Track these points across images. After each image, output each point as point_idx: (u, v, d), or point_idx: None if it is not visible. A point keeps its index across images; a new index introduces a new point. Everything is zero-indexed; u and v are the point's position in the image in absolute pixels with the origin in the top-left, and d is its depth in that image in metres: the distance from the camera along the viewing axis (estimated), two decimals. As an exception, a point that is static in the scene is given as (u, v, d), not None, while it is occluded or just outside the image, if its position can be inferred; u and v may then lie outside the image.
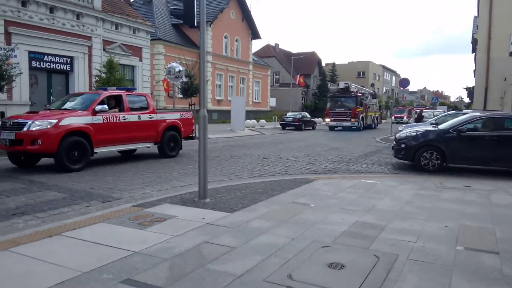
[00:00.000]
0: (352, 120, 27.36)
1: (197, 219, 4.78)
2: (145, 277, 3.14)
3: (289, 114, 30.63)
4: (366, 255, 3.69)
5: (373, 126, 31.45)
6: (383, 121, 44.86)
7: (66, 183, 7.25)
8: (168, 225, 4.56)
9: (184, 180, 7.81)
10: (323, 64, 63.79)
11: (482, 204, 5.89)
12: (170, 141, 11.07)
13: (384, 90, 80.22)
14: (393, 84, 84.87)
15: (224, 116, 33.71)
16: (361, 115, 28.33)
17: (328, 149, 14.46)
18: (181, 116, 11.63)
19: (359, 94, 28.77)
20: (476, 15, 24.92)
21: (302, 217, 4.99)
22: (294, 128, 28.47)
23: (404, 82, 22.51)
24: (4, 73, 10.45)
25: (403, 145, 9.68)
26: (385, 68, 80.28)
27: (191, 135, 12.23)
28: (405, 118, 41.91)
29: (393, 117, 43.58)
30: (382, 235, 4.32)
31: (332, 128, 28.49)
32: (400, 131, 12.18)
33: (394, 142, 10.50)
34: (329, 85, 41.02)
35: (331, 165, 10.27)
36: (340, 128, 28.15)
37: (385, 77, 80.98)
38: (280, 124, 29.31)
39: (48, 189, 6.65)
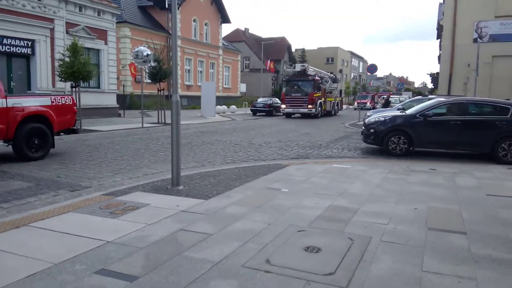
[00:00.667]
0: (310, 106, 24.77)
1: (171, 207, 4.71)
2: (120, 266, 3.07)
3: (259, 100, 30.56)
4: (341, 238, 3.77)
5: (333, 112, 29.14)
6: (344, 107, 43.72)
7: (31, 171, 6.96)
8: (142, 213, 4.47)
9: (155, 168, 7.67)
10: (293, 50, 63.86)
11: (448, 187, 6.14)
12: (31, 136, 8.11)
13: (352, 76, 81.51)
14: (361, 70, 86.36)
15: (194, 102, 33.25)
16: (319, 101, 25.71)
17: (299, 135, 14.59)
18: (52, 102, 8.65)
19: (317, 78, 26.11)
20: (442, 1, 25.58)
21: (277, 202, 5.03)
22: (265, 114, 28.49)
23: (372, 68, 22.92)
24: None
25: (372, 130, 9.89)
26: (353, 54, 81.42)
27: (73, 127, 9.30)
28: (368, 104, 41.28)
29: (356, 103, 43.91)
30: (355, 218, 4.42)
31: (289, 115, 26.03)
32: (369, 116, 12.44)
33: (363, 127, 10.71)
34: (284, 67, 37.76)
35: (303, 151, 10.37)
36: (299, 115, 26.02)
37: (353, 63, 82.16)
38: (251, 110, 29.22)
39: (12, 178, 6.36)
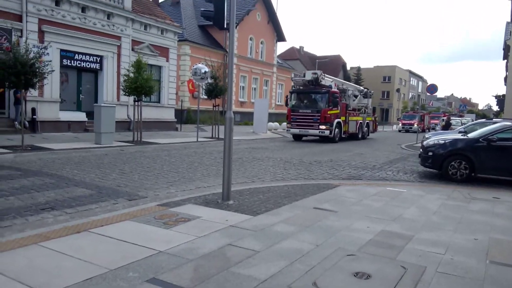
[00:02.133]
0: (322, 127, 18.82)
1: (221, 221, 4.80)
2: (170, 277, 3.17)
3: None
4: (393, 266, 3.61)
5: (360, 135, 22.87)
6: (380, 129, 36.49)
7: (93, 180, 7.43)
8: (193, 225, 4.60)
9: (207, 181, 7.87)
10: (348, 68, 63.21)
11: (514, 218, 5.68)
12: None
13: (410, 96, 78.68)
14: (420, 90, 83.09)
15: (247, 118, 33.81)
16: (337, 120, 19.64)
17: (351, 155, 14.28)
18: None
19: (334, 89, 20.01)
20: (509, 20, 24.12)
21: (326, 223, 4.94)
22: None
23: (432, 88, 21.99)
24: (37, 70, 10.82)
25: (430, 153, 9.45)
26: (411, 73, 78.75)
27: None
28: (415, 125, 34.11)
29: (400, 124, 37.82)
30: (409, 245, 4.22)
31: (298, 138, 20.25)
32: (428, 138, 11.90)
33: (421, 150, 10.26)
34: (292, 75, 28.78)
35: (355, 171, 10.13)
36: (313, 137, 20.42)
37: (411, 82, 79.41)
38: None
39: (76, 185, 6.82)
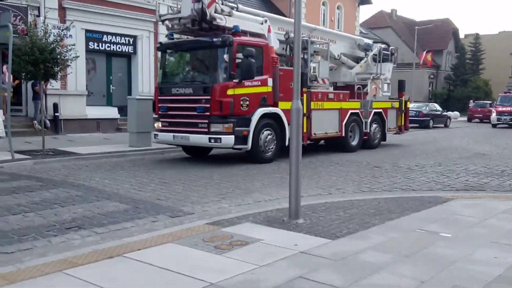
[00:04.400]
0: (215, 127, 10.88)
1: (288, 246, 4.79)
2: (225, 317, 3.22)
3: (410, 106, 29.43)
4: (534, 313, 3.37)
5: (352, 142, 14.77)
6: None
7: (128, 191, 7.81)
8: (252, 250, 4.65)
9: (269, 193, 7.92)
10: (461, 36, 60.20)
11: None
12: None
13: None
14: None
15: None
16: (264, 109, 11.53)
17: (470, 156, 13.64)
18: None
19: (261, 41, 11.97)
20: None
21: (435, 251, 4.75)
22: (417, 125, 27.59)
23: None
24: (58, 57, 11.30)
25: None
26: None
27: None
28: None
29: (494, 112, 30.12)
30: (557, 284, 3.92)
31: (192, 151, 12.87)
32: None
33: None
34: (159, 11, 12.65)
35: (475, 179, 9.66)
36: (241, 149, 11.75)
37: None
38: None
39: (108, 199, 7.20)
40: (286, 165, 7.81)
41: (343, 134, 14.12)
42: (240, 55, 10.80)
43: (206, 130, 10.83)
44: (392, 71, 17.91)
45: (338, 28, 37.69)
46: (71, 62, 12.07)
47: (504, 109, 30.46)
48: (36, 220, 5.95)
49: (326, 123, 13.63)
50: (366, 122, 15.08)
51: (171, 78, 12.39)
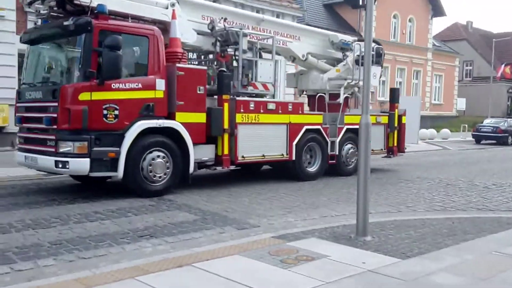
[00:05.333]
0: (62, 146, 7.89)
1: (356, 263, 4.74)
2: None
3: (486, 121, 28.42)
4: None
5: (308, 169, 11.32)
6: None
7: (197, 202, 8.03)
8: (318, 266, 4.63)
9: (335, 209, 7.87)
10: (543, 48, 57.00)
11: None
12: None
13: None
14: None
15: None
16: (142, 122, 8.35)
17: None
18: None
19: (134, 25, 8.74)
20: None
21: (512, 275, 4.52)
22: (494, 141, 26.75)
23: None
24: None
25: None
26: None
27: None
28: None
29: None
30: None
31: (81, 178, 9.54)
32: None
33: None
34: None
35: (558, 200, 9.08)
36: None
37: None
38: (473, 136, 27.55)
39: (178, 209, 7.46)
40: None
41: (293, 158, 10.74)
42: (94, 45, 7.80)
43: (53, 150, 7.96)
44: (381, 76, 14.60)
45: (409, 41, 36.89)
46: None
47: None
48: (112, 227, 6.26)
49: (263, 143, 10.23)
50: (333, 142, 11.63)
51: (29, 78, 9.35)
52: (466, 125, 31.72)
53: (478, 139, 27.26)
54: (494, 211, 8.01)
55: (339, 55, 12.96)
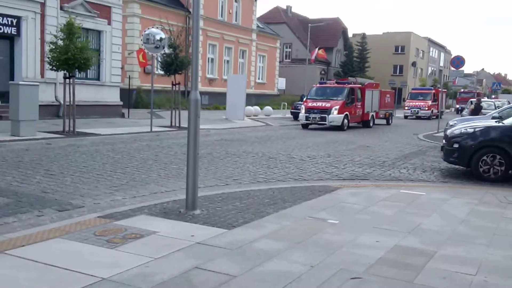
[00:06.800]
0: None
1: (185, 237, 4.78)
2: (117, 312, 3.12)
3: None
4: (410, 291, 3.67)
5: None
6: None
7: (10, 184, 7.26)
8: (147, 243, 4.56)
9: (166, 185, 7.82)
10: (350, 35, 63.73)
11: (562, 227, 5.86)
12: None
13: (430, 71, 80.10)
14: (442, 64, 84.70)
15: (217, 101, 33.70)
16: None
17: (355, 148, 14.46)
18: None
19: None
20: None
21: (323, 237, 4.99)
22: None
23: (458, 62, 22.42)
24: None
25: (456, 145, 9.64)
26: (431, 42, 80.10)
27: None
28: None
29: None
30: (430, 264, 4.31)
31: None
32: (452, 126, 12.15)
33: (443, 141, 10.46)
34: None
35: (360, 169, 10.26)
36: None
37: (431, 54, 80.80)
38: (292, 113, 29.26)
39: (-14, 192, 6.64)
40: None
41: None
42: None
43: None
44: None
45: (235, 21, 38.03)
46: None
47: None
48: None
49: None
50: None
51: None
52: (286, 103, 33.94)
53: (296, 116, 29.03)
54: (308, 181, 8.70)
55: None
